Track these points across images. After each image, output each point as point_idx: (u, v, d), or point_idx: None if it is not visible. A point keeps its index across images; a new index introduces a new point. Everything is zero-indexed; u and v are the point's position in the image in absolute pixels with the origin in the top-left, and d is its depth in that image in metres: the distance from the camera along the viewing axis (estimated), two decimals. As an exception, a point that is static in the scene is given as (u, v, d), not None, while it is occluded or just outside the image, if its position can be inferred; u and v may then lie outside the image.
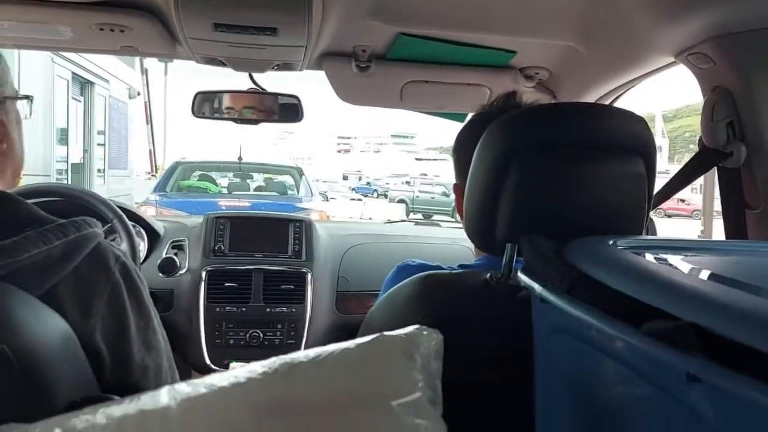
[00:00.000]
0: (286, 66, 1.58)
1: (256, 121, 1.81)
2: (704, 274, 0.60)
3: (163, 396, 0.48)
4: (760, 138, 1.04)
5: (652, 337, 0.48)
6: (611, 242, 0.69)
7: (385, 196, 27.68)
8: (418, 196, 22.34)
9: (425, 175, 32.58)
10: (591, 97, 1.58)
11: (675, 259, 0.67)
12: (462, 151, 1.10)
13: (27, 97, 0.92)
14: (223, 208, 5.75)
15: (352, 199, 22.20)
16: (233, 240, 1.96)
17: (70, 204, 1.64)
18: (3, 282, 0.73)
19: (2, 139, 0.85)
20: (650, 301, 0.50)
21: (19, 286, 0.74)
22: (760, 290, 0.48)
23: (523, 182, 0.79)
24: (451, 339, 0.64)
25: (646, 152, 0.82)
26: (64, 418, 0.47)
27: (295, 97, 1.82)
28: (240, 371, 0.51)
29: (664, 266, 0.62)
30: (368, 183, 37.20)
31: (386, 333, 0.58)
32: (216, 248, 1.93)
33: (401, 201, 22.41)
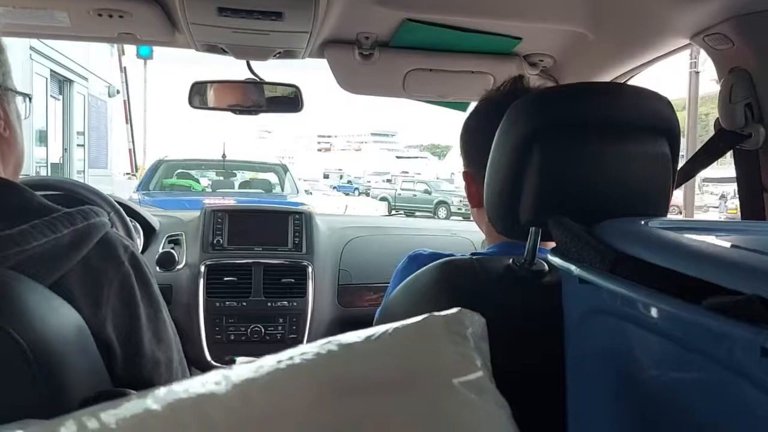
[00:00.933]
0: (288, 53, 1.55)
1: (254, 111, 1.77)
2: (751, 250, 0.58)
3: (216, 380, 0.45)
4: (779, 118, 1.03)
5: (716, 312, 0.46)
6: (643, 222, 0.68)
7: (367, 195, 27.68)
8: (400, 194, 22.35)
9: (406, 172, 32.62)
10: (596, 84, 1.57)
11: (713, 238, 0.66)
12: (471, 137, 1.08)
13: (26, 94, 0.92)
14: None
15: (333, 198, 22.16)
16: (232, 233, 1.92)
17: (67, 197, 1.60)
18: (13, 271, 0.71)
19: (6, 126, 0.85)
20: (706, 277, 0.49)
21: (29, 276, 0.73)
22: None
23: (548, 163, 0.77)
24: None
25: (671, 133, 0.80)
26: (113, 405, 0.44)
27: (294, 86, 1.79)
28: (292, 352, 0.48)
29: (710, 243, 0.60)
30: (349, 181, 37.17)
31: (435, 313, 0.55)
32: (214, 242, 1.89)
33: (383, 199, 22.42)
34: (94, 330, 0.78)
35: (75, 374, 0.73)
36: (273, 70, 1.76)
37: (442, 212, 20.51)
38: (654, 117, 0.80)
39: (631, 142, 0.79)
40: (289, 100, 1.80)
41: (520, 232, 0.81)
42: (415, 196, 21.87)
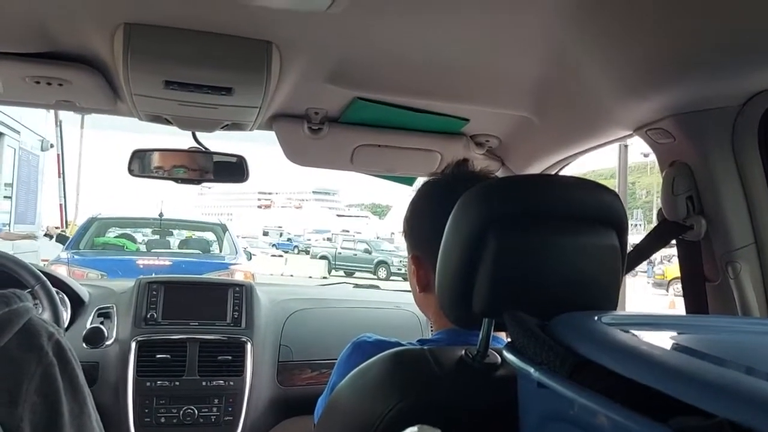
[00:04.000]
0: (235, 126, 1.52)
1: (197, 181, 1.73)
2: (722, 363, 0.57)
3: None
4: (718, 212, 1.06)
5: (684, 435, 0.44)
6: (596, 318, 0.67)
7: (307, 253, 27.43)
8: (340, 253, 22.27)
9: (347, 231, 32.61)
10: (540, 166, 1.61)
11: (671, 341, 0.65)
12: (418, 220, 1.07)
13: None
14: (141, 266, 5.52)
15: (272, 255, 21.82)
16: (167, 307, 1.82)
17: (-14, 269, 1.49)
18: None
19: None
20: (672, 392, 0.47)
21: None
22: None
23: (501, 254, 0.77)
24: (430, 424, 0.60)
25: (620, 226, 0.82)
26: None
27: (240, 156, 1.75)
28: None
29: (672, 352, 0.59)
30: (289, 239, 36.80)
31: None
32: (148, 316, 1.79)
33: (323, 257, 22.26)
34: (8, 429, 0.72)
35: None
36: (220, 139, 1.72)
37: (382, 272, 20.50)
38: (605, 210, 0.81)
39: (584, 234, 0.80)
40: (235, 170, 1.76)
41: (472, 322, 0.80)
42: (356, 255, 21.82)
